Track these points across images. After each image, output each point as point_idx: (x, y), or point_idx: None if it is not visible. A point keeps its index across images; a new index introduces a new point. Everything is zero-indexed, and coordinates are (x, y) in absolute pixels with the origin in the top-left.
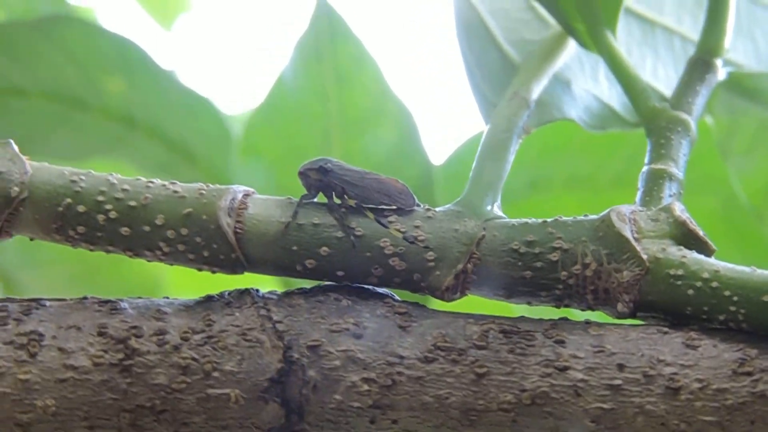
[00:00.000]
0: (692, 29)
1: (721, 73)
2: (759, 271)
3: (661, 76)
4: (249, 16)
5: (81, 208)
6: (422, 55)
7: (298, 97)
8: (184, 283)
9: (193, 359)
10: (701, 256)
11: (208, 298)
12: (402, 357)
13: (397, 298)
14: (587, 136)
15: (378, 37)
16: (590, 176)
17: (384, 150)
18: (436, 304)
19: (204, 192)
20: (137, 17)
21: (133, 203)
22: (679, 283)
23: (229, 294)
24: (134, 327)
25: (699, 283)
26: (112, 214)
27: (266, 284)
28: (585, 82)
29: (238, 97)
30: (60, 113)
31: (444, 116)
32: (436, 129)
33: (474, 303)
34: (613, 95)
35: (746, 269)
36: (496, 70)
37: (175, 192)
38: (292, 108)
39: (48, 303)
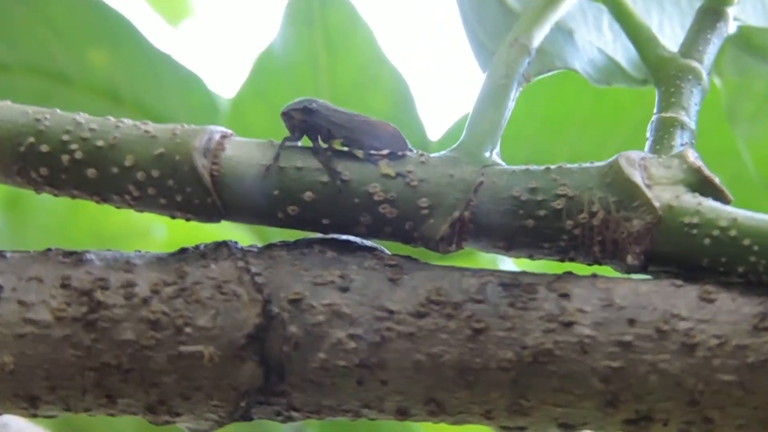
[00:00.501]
0: None
1: (732, 25)
2: None
3: (667, 31)
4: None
5: (44, 148)
6: (421, 26)
7: (288, 65)
8: None
9: (164, 313)
10: (718, 204)
11: (182, 251)
12: (392, 311)
13: (387, 252)
14: (588, 112)
15: (372, 4)
16: (592, 153)
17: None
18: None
19: (178, 132)
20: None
21: (100, 143)
22: (695, 232)
23: (204, 246)
24: (100, 279)
25: (716, 232)
26: (78, 155)
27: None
28: (588, 33)
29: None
30: (44, 89)
31: (442, 92)
32: (434, 104)
33: None
34: (617, 48)
35: (767, 217)
36: (495, 18)
37: (147, 132)
38: (282, 77)
39: (9, 254)
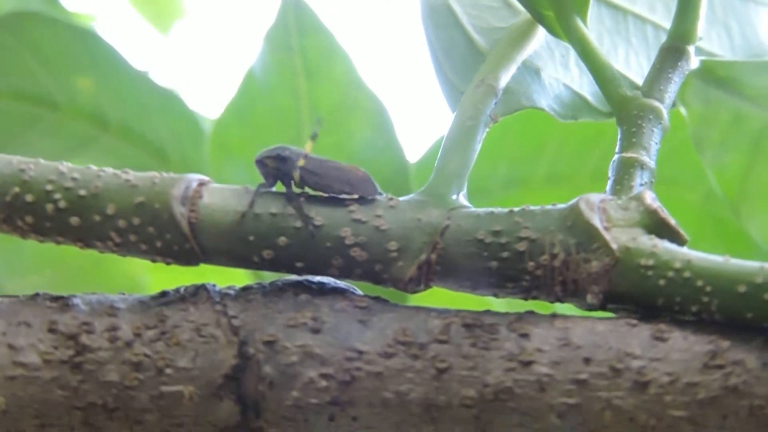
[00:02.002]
0: (665, 18)
1: (694, 61)
2: (733, 260)
3: (633, 65)
4: (244, 19)
5: (29, 198)
6: (397, 50)
7: (268, 91)
8: (167, 284)
9: (146, 355)
10: (673, 246)
11: (163, 294)
12: (361, 352)
13: (358, 292)
14: (564, 131)
15: (349, 30)
16: (570, 173)
17: (358, 145)
18: (407, 299)
19: (157, 180)
20: (136, 24)
21: (83, 192)
22: (650, 273)
23: (184, 289)
24: (85, 323)
25: (671, 273)
26: (62, 204)
27: (239, 278)
28: (555, 71)
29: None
30: (30, 114)
31: (421, 114)
32: (414, 127)
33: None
34: (584, 84)
35: (719, 258)
36: (464, 57)
37: (127, 180)
38: (263, 103)
39: None
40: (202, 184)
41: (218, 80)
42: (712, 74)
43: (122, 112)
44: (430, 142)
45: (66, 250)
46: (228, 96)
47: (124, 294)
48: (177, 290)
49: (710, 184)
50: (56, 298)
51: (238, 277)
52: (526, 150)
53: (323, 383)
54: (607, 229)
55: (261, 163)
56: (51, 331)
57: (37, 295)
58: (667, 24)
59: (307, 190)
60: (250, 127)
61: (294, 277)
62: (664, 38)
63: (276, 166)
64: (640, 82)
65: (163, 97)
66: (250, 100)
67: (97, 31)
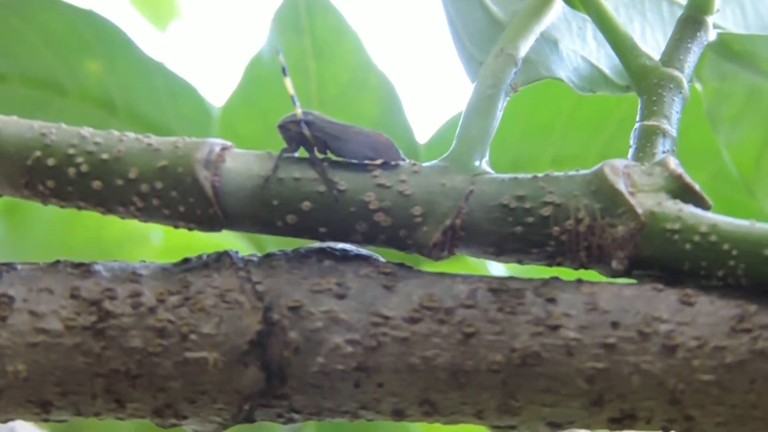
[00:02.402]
0: None
1: (712, 32)
2: (759, 224)
3: (649, 39)
4: (243, 16)
5: (51, 162)
6: (409, 29)
7: (277, 72)
8: None
9: (170, 321)
10: (698, 210)
11: (186, 261)
12: (387, 317)
13: (381, 259)
14: (571, 113)
15: (359, 6)
16: (576, 154)
17: (366, 125)
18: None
19: (179, 145)
20: (133, 21)
21: (105, 156)
22: (676, 237)
23: (207, 256)
24: (108, 289)
25: (697, 237)
26: (84, 168)
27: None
28: (573, 43)
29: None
30: (39, 98)
31: (430, 94)
32: (423, 107)
33: None
34: (601, 57)
35: (746, 222)
36: (482, 29)
37: (149, 145)
38: (271, 85)
39: (19, 266)
40: (224, 148)
41: (215, 76)
42: (728, 49)
43: (130, 96)
44: (439, 122)
45: (73, 240)
46: (232, 83)
47: (144, 261)
48: (199, 257)
49: (720, 163)
50: (78, 265)
51: None
52: (533, 132)
53: (349, 349)
54: (632, 194)
55: (284, 128)
56: (73, 297)
57: (58, 261)
58: None
59: (329, 155)
60: (259, 109)
61: (317, 244)
62: (678, 13)
63: (299, 130)
64: (655, 56)
65: (172, 81)
66: (258, 83)
67: (104, 15)
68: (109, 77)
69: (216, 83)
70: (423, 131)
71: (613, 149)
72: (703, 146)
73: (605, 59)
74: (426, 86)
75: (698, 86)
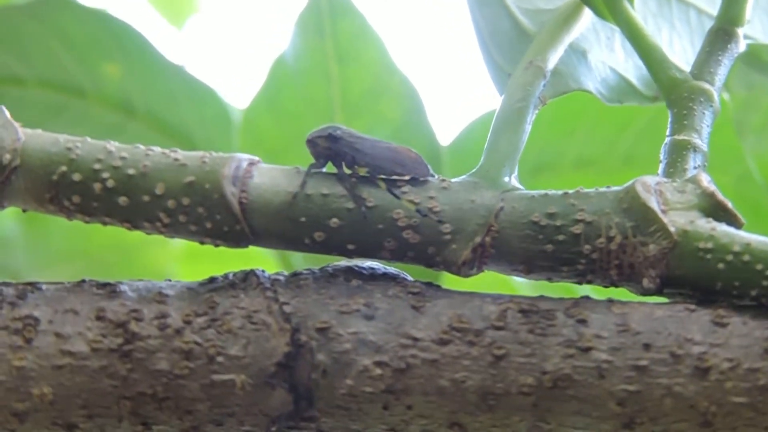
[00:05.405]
0: (707, 2)
1: (743, 44)
2: None
3: (677, 49)
4: (262, 12)
5: (76, 177)
6: (432, 32)
7: (299, 76)
8: (196, 277)
9: (196, 343)
10: (731, 229)
11: (212, 280)
12: (416, 339)
13: (409, 278)
14: (594, 115)
15: (383, 10)
16: (599, 156)
17: (389, 128)
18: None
19: (207, 160)
20: (150, 18)
21: (131, 171)
22: (709, 256)
23: (233, 275)
24: (134, 310)
25: (730, 257)
26: (110, 183)
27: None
28: (601, 53)
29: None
30: (57, 102)
31: (453, 96)
32: (445, 109)
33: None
34: (629, 67)
35: None
36: (510, 40)
37: (176, 160)
38: (293, 89)
39: (44, 286)
40: (252, 163)
41: (233, 74)
42: (757, 59)
43: (149, 99)
44: (461, 126)
45: (91, 243)
46: (255, 85)
47: (170, 280)
48: (226, 276)
49: (744, 167)
50: (103, 285)
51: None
52: (556, 135)
53: (378, 371)
54: (664, 211)
55: (312, 143)
56: (99, 318)
57: (83, 281)
58: (710, 8)
59: (358, 170)
60: (281, 113)
61: (344, 263)
62: (706, 23)
63: (327, 146)
64: (683, 66)
65: (191, 84)
66: (281, 87)
67: (122, 18)
68: (128, 80)
69: (234, 79)
70: (446, 132)
71: (636, 153)
72: (728, 150)
73: (633, 70)
74: (448, 87)
75: (725, 95)
